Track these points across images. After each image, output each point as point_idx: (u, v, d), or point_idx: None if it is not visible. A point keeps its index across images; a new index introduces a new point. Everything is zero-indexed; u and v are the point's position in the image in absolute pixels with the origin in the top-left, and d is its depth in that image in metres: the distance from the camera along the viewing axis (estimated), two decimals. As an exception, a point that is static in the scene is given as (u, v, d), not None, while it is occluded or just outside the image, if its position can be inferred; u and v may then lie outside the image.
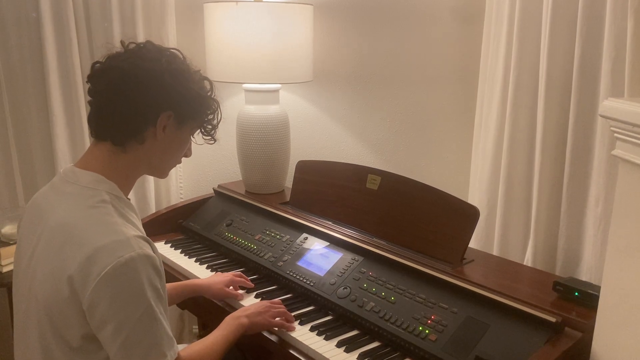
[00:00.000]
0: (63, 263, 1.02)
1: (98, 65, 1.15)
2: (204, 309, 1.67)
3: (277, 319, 1.41)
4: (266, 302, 1.45)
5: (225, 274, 1.65)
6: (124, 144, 1.12)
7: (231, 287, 1.60)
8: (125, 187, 1.16)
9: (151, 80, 1.10)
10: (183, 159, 1.28)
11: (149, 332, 1.02)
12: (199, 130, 1.24)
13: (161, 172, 1.25)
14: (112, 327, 1.00)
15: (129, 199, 1.18)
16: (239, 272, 1.66)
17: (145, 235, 1.09)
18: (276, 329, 1.41)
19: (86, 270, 0.99)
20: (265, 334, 1.42)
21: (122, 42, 1.17)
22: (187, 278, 1.73)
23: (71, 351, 1.05)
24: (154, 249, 1.09)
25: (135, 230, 1.08)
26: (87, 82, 1.16)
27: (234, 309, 1.54)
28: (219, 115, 1.25)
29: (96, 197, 1.08)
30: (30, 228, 1.14)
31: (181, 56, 1.18)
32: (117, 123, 1.11)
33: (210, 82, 1.22)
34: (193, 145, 1.28)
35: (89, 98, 1.16)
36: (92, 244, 1.01)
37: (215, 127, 1.25)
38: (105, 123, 1.12)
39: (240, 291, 1.62)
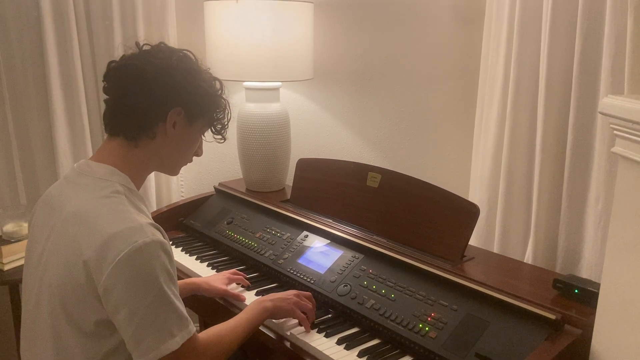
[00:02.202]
0: (78, 250, 1.05)
1: (113, 64, 1.19)
2: (205, 307, 1.67)
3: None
4: (295, 291, 1.44)
5: (223, 272, 1.66)
6: (135, 139, 1.17)
7: (232, 285, 1.61)
8: (137, 181, 1.20)
9: (161, 77, 1.15)
10: None
11: (160, 315, 1.04)
12: (209, 129, 1.28)
13: (171, 169, 1.28)
14: (126, 311, 1.02)
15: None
16: (235, 270, 1.67)
17: (156, 223, 1.13)
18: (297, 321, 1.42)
19: (102, 255, 1.02)
20: (266, 331, 1.42)
21: (136, 44, 1.21)
22: (187, 276, 1.73)
23: (84, 337, 1.08)
24: (165, 236, 1.12)
25: (147, 218, 1.12)
26: (102, 80, 1.21)
27: (234, 306, 1.54)
28: (229, 114, 1.29)
29: (110, 188, 1.12)
30: (43, 221, 1.17)
31: (193, 57, 1.23)
32: (128, 118, 1.16)
33: (220, 82, 1.26)
34: None
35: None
36: (107, 230, 1.04)
37: (225, 126, 1.29)
38: (118, 118, 1.17)
39: (240, 288, 1.63)
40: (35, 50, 1.95)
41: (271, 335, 1.41)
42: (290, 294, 1.41)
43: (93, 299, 1.05)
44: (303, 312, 1.40)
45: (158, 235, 1.07)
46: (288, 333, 1.40)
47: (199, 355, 1.10)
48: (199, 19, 2.14)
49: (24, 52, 1.96)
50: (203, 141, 1.31)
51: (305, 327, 1.40)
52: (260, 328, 1.43)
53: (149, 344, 1.03)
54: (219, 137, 1.30)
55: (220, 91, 1.25)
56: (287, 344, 1.38)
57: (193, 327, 1.10)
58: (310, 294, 1.48)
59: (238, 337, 1.23)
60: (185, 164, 1.31)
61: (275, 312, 1.36)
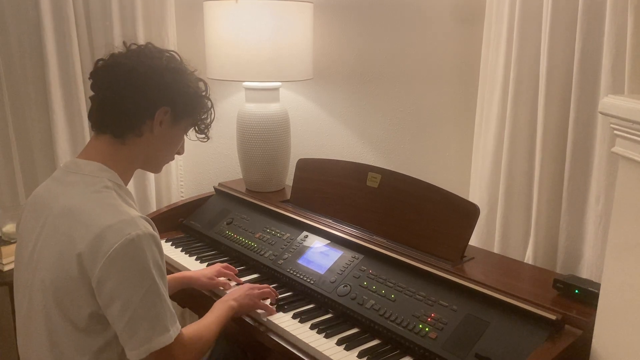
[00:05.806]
0: (72, 244, 1.07)
1: (101, 62, 1.22)
2: (205, 308, 1.67)
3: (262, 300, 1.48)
4: (248, 284, 1.53)
5: (213, 265, 1.70)
6: (123, 136, 1.19)
7: (221, 278, 1.65)
8: (125, 178, 1.22)
9: (152, 77, 1.17)
10: (181, 157, 1.31)
11: (153, 308, 1.07)
12: (192, 128, 1.31)
13: (155, 167, 1.32)
14: (119, 304, 1.04)
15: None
16: (226, 264, 1.71)
17: (146, 217, 1.15)
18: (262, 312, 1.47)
19: (95, 248, 1.04)
20: (265, 331, 1.42)
21: (124, 43, 1.24)
22: (187, 276, 1.74)
23: (77, 332, 1.09)
24: (154, 228, 1.14)
25: (137, 212, 1.14)
26: (89, 78, 1.22)
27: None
28: (213, 114, 1.33)
29: (99, 184, 1.14)
30: (32, 220, 1.18)
31: (179, 58, 1.26)
32: (117, 115, 1.17)
33: (205, 83, 1.30)
34: (193, 144, 1.31)
35: (90, 94, 1.22)
36: (100, 223, 1.06)
37: (208, 126, 1.33)
38: (107, 116, 1.19)
39: (232, 283, 1.65)
40: (34, 50, 1.95)
41: (270, 335, 1.41)
42: (246, 288, 1.49)
43: (86, 292, 1.06)
44: (264, 298, 1.50)
45: (149, 228, 1.10)
46: (288, 334, 1.39)
47: (186, 352, 1.14)
48: (198, 19, 2.14)
49: (23, 52, 1.95)
50: (188, 140, 1.34)
51: (269, 311, 1.47)
52: (259, 328, 1.44)
53: (142, 336, 1.06)
54: (202, 136, 1.34)
55: (205, 92, 1.29)
56: (286, 344, 1.38)
57: (179, 324, 1.13)
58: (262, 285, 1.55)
59: (212, 333, 1.28)
60: (168, 162, 1.34)
61: (240, 310, 1.43)
